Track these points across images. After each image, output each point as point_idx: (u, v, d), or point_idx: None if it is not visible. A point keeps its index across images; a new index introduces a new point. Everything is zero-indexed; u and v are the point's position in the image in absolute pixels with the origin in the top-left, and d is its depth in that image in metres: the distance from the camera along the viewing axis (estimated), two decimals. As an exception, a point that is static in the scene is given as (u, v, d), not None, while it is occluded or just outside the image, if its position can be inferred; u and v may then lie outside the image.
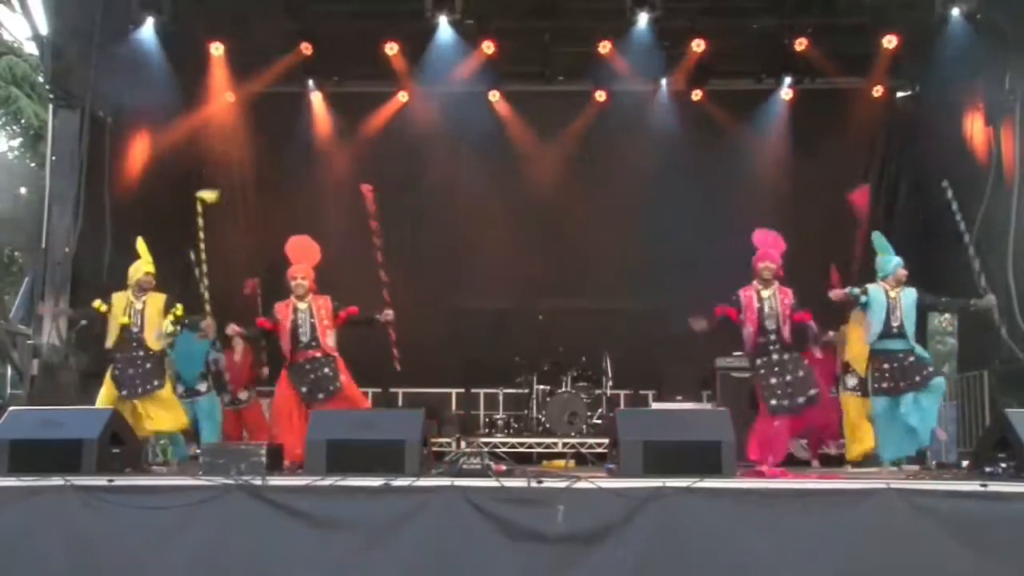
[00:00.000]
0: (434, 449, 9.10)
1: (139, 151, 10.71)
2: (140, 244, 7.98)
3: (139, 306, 7.64)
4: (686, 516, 5.49)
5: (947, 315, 10.47)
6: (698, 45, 10.79)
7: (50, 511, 5.64)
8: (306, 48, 10.95)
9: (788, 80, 11.42)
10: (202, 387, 8.71)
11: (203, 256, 8.31)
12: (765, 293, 7.62)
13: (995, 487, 5.57)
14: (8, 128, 17.70)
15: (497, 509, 5.53)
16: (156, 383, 7.59)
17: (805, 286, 8.78)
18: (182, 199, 11.75)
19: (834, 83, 11.62)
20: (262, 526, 5.59)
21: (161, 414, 7.60)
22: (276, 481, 5.79)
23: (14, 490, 5.72)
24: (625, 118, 11.75)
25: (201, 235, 8.23)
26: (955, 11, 9.63)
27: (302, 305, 7.75)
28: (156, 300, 7.70)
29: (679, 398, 10.73)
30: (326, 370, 7.63)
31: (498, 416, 11.42)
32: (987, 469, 6.21)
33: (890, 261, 7.68)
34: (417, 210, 11.63)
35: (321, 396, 7.55)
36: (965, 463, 7.68)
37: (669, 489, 5.53)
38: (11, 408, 6.93)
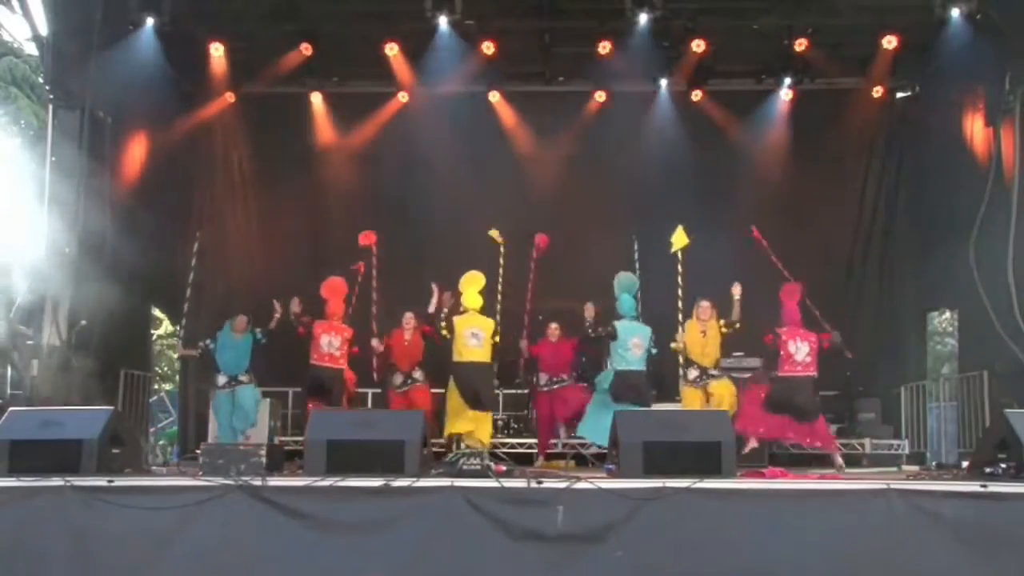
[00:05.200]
0: (434, 449, 9.09)
1: (139, 151, 10.70)
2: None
3: (480, 332, 9.08)
4: (686, 517, 5.50)
5: (947, 315, 10.45)
6: (698, 45, 10.76)
7: (50, 511, 5.64)
8: (306, 48, 10.92)
9: (788, 80, 11.36)
10: (244, 378, 9.26)
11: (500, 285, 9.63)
12: None
13: (995, 487, 5.58)
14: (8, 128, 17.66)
15: (497, 510, 5.53)
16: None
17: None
18: (182, 199, 11.85)
19: (834, 83, 11.58)
20: (262, 526, 5.60)
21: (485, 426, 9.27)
22: (276, 481, 5.79)
23: (14, 490, 5.73)
24: (625, 118, 11.72)
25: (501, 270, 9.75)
26: (955, 11, 9.62)
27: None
28: (488, 325, 9.15)
29: (679, 398, 10.73)
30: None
31: (498, 416, 11.38)
32: (987, 469, 6.21)
33: (625, 303, 9.22)
34: (416, 210, 11.60)
35: None
36: (965, 463, 7.68)
37: (669, 489, 5.54)
38: (11, 408, 6.93)
